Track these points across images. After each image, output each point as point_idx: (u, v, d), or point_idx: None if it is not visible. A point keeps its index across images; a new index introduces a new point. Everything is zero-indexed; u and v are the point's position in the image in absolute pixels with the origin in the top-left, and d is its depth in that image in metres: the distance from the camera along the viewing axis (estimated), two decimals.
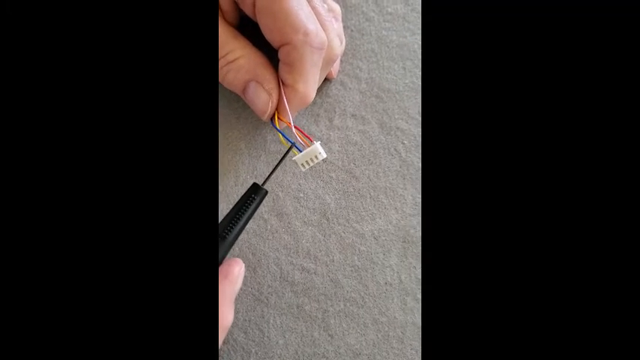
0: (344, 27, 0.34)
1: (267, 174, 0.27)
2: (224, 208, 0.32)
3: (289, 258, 0.31)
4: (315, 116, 0.33)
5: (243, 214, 0.26)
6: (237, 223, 0.26)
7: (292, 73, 0.28)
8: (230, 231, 0.26)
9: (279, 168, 0.28)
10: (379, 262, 0.31)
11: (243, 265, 0.27)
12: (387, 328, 0.30)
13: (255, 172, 0.32)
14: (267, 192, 0.27)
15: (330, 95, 0.33)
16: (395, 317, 0.30)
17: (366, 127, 0.33)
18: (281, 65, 0.28)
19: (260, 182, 0.27)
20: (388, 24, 0.35)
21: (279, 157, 0.32)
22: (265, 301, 0.30)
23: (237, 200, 0.32)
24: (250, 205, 0.26)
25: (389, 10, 0.35)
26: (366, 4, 0.35)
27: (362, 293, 0.30)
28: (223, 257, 0.26)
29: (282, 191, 0.32)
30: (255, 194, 0.26)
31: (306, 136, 0.28)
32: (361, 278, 0.31)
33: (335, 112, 0.33)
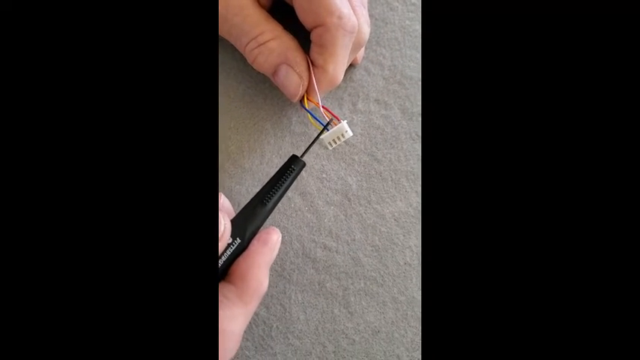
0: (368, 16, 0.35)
1: (292, 154, 0.28)
2: (250, 185, 0.32)
3: (312, 236, 0.32)
4: (340, 100, 0.34)
5: (283, 183, 0.27)
6: (276, 191, 0.27)
7: (324, 54, 0.29)
8: (270, 198, 0.26)
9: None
10: (399, 243, 0.32)
11: (280, 235, 0.27)
12: (405, 307, 0.31)
13: (280, 152, 0.33)
14: (305, 164, 0.28)
15: (354, 80, 0.34)
16: (413, 297, 0.31)
17: (388, 112, 0.34)
18: (313, 47, 0.29)
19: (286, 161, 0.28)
20: (411, 14, 0.36)
21: (305, 139, 0.33)
22: (287, 277, 0.31)
23: (263, 178, 0.32)
24: (289, 175, 0.27)
25: (412, 0, 0.36)
26: None
27: (382, 272, 0.31)
28: (263, 221, 0.27)
29: (306, 171, 0.33)
30: (294, 165, 0.27)
31: (334, 116, 0.29)
32: (381, 258, 0.31)
33: (359, 96, 0.34)
